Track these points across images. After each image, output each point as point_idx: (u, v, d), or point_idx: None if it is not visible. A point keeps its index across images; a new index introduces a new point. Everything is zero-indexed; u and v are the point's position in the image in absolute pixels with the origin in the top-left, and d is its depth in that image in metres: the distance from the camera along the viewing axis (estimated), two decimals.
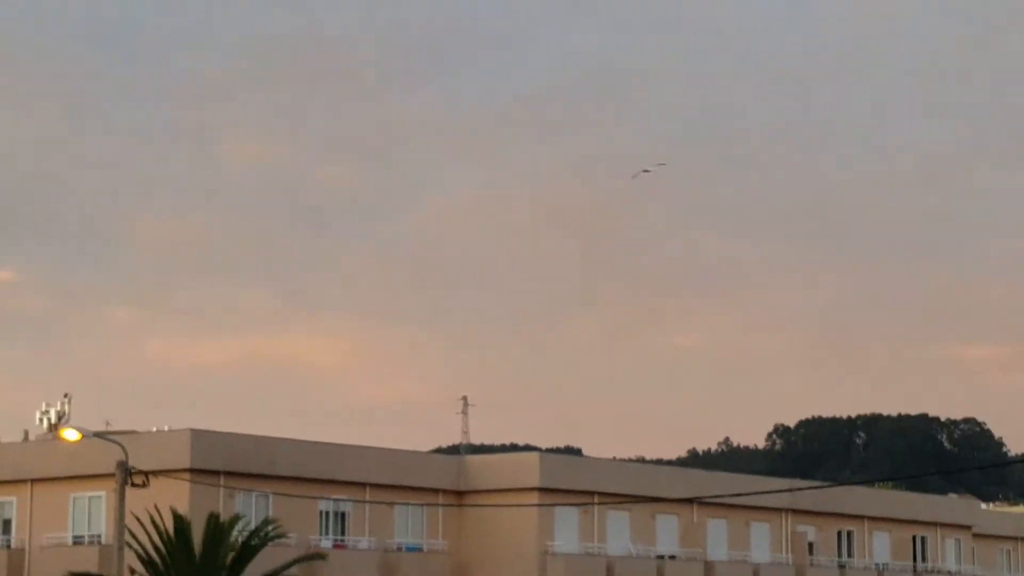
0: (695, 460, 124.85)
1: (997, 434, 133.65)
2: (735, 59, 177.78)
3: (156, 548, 13.81)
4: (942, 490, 65.77)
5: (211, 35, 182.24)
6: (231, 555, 14.57)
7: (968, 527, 41.63)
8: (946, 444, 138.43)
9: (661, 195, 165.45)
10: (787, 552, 34.23)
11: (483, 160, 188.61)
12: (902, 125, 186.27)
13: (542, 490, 27.47)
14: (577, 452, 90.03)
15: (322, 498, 25.43)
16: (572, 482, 29.52)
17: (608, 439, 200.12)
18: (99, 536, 22.75)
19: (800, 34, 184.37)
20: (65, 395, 25.65)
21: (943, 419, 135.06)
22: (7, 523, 25.85)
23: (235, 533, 15.01)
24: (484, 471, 29.58)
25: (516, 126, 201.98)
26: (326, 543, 24.87)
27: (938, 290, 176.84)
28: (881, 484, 61.26)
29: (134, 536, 13.96)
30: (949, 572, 39.51)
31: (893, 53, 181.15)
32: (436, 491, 28.27)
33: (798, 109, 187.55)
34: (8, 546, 25.32)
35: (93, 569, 17.49)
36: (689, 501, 30.88)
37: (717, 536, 32.42)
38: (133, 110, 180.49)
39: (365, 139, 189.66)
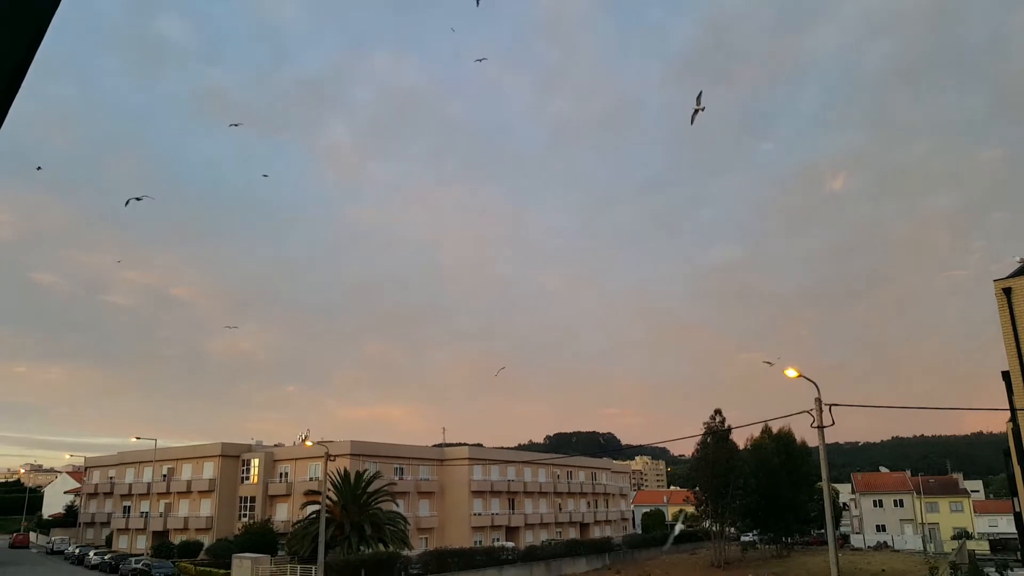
0: None
1: None
2: None
3: (337, 484, 50.15)
4: None
5: None
6: (364, 483, 50.68)
7: None
8: None
9: None
10: None
11: None
12: None
13: None
14: None
15: (396, 463, 62.19)
16: None
17: None
18: (317, 479, 60.50)
19: None
20: (307, 429, 64.29)
21: None
22: (285, 474, 65.14)
23: (365, 476, 51.10)
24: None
25: None
26: (401, 481, 61.73)
27: None
28: None
29: (331, 477, 50.50)
30: None
31: None
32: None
33: None
34: (288, 482, 64.68)
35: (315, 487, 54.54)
36: None
37: None
38: None
39: None
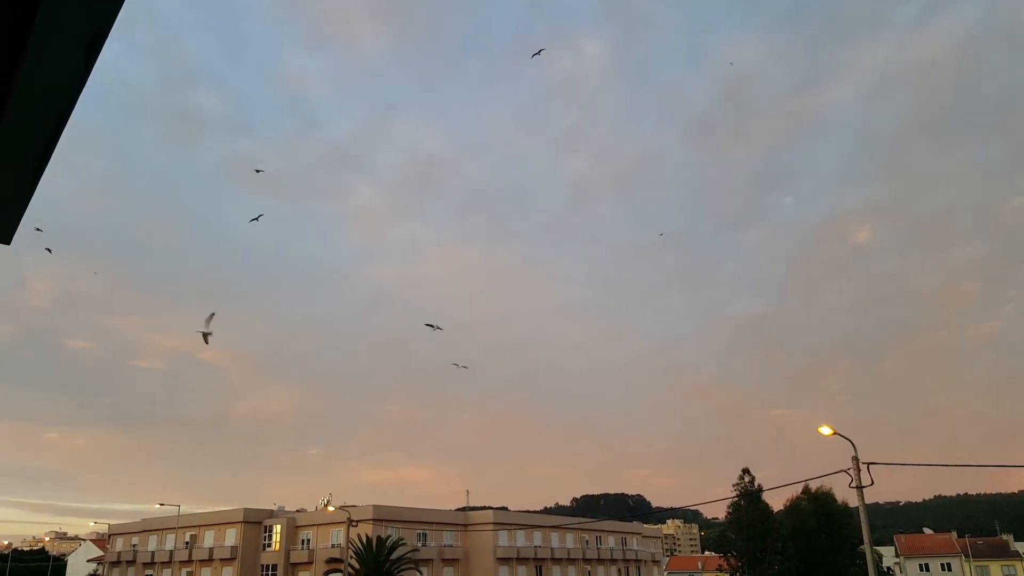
0: None
1: None
2: None
3: (359, 551, 49.07)
4: None
5: None
6: (386, 551, 49.54)
7: None
8: None
9: None
10: None
11: None
12: None
13: None
14: None
15: (419, 528, 60.86)
16: None
17: None
18: (339, 545, 59.31)
19: None
20: (330, 494, 63.55)
21: None
22: (307, 540, 64.05)
23: (387, 542, 49.97)
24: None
25: None
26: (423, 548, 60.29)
27: None
28: None
29: (352, 544, 49.44)
30: None
31: None
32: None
33: None
34: (310, 548, 63.50)
35: (337, 555, 53.41)
36: None
37: None
38: None
39: None
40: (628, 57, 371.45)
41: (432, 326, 48.52)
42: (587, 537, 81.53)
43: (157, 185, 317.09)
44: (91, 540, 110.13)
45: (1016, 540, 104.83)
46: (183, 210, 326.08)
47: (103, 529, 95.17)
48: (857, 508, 25.62)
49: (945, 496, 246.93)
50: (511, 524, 71.43)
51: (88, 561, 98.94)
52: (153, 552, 75.14)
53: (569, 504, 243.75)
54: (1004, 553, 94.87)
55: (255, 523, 68.44)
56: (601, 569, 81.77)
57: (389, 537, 53.70)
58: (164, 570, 72.58)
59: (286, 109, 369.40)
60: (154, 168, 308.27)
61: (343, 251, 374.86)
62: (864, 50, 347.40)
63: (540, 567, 72.57)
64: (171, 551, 72.10)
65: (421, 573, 57.29)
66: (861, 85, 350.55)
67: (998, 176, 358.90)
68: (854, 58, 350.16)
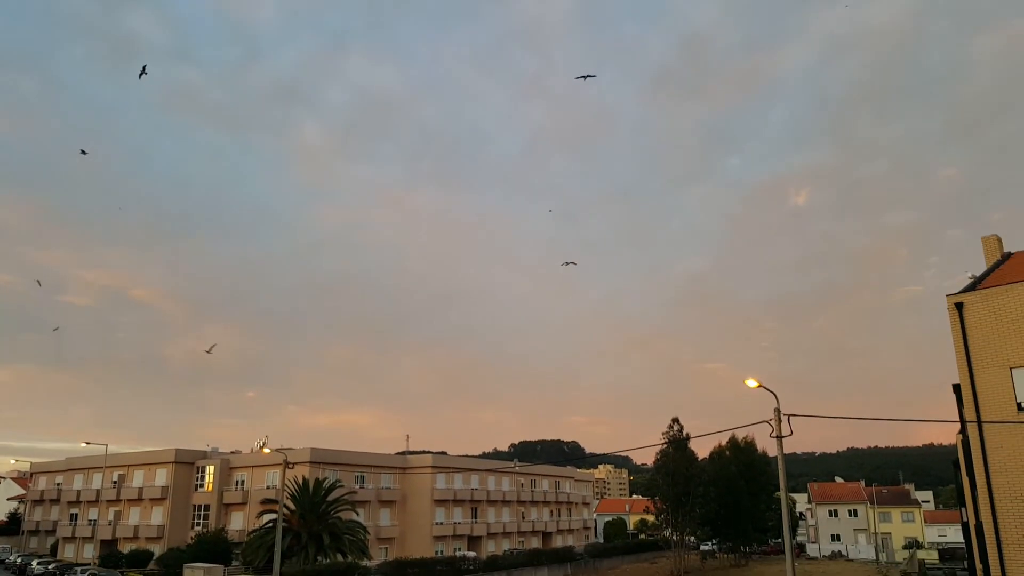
0: None
1: None
2: None
3: (295, 492, 49.08)
4: None
5: None
6: (323, 492, 49.66)
7: None
8: None
9: None
10: None
11: None
12: None
13: None
14: None
15: (357, 471, 61.22)
16: None
17: None
18: (274, 487, 59.07)
19: None
20: (266, 436, 63.05)
21: None
22: (241, 482, 63.62)
23: (325, 484, 50.09)
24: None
25: None
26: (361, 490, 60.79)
27: None
28: None
29: (288, 486, 49.40)
30: None
31: None
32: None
33: None
34: (244, 490, 63.07)
35: (272, 496, 53.26)
36: None
37: None
38: None
39: None
40: (590, 4, 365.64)
41: (569, 263, 64.98)
42: (523, 481, 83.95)
43: (90, 112, 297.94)
44: (12, 478, 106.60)
45: (916, 489, 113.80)
46: (117, 140, 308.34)
47: (25, 467, 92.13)
48: (776, 457, 27.04)
49: (858, 448, 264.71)
50: (449, 468, 72.69)
51: (8, 499, 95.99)
52: (79, 491, 73.38)
53: (507, 449, 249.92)
54: (905, 501, 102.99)
55: (187, 463, 67.45)
56: (535, 510, 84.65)
57: (327, 479, 53.81)
58: (90, 509, 71.08)
59: (229, 37, 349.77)
60: (87, 94, 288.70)
61: (288, 191, 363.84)
62: (817, 15, 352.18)
63: (476, 508, 74.48)
64: (98, 490, 70.53)
65: (358, 514, 57.81)
66: (812, 48, 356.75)
67: (934, 146, 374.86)
68: (808, 21, 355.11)
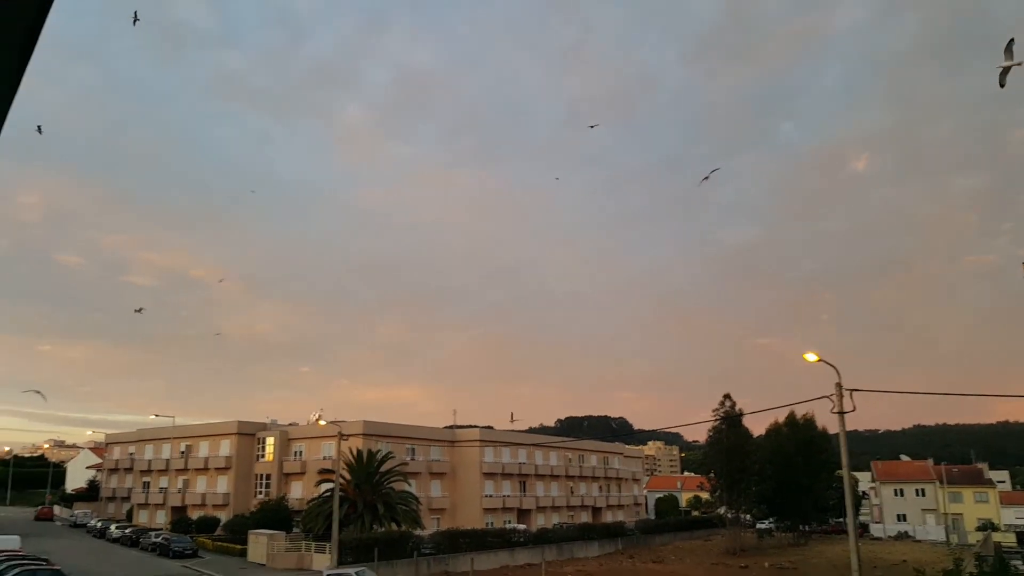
0: None
1: None
2: None
3: (350, 463, 50.17)
4: None
5: None
6: (376, 463, 50.67)
7: None
8: None
9: None
10: None
11: None
12: None
13: None
14: None
15: (408, 444, 62.29)
16: None
17: None
18: (330, 457, 60.65)
19: None
20: (321, 408, 64.50)
21: None
22: (299, 452, 65.66)
23: (378, 455, 51.09)
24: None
25: None
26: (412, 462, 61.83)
27: None
28: None
29: (344, 457, 50.51)
30: None
31: None
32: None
33: None
34: (302, 460, 65.11)
35: (329, 466, 54.70)
36: None
37: None
38: None
39: None
40: None
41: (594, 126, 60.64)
42: (570, 456, 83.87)
43: (143, 99, 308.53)
44: (89, 448, 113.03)
45: (991, 469, 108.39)
46: (169, 126, 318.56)
47: (100, 438, 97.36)
48: (836, 434, 25.81)
49: (924, 425, 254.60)
50: (496, 441, 73.17)
51: (87, 468, 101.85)
52: (150, 460, 77.13)
53: (554, 425, 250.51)
54: (978, 480, 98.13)
55: (249, 435, 69.92)
56: (583, 485, 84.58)
57: (379, 451, 54.87)
58: (160, 477, 74.69)
59: (273, 22, 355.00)
60: (140, 82, 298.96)
61: (332, 172, 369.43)
62: None
63: (524, 482, 74.87)
64: (167, 460, 73.98)
65: (410, 484, 58.87)
66: (868, 4, 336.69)
67: (1006, 103, 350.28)
68: None
